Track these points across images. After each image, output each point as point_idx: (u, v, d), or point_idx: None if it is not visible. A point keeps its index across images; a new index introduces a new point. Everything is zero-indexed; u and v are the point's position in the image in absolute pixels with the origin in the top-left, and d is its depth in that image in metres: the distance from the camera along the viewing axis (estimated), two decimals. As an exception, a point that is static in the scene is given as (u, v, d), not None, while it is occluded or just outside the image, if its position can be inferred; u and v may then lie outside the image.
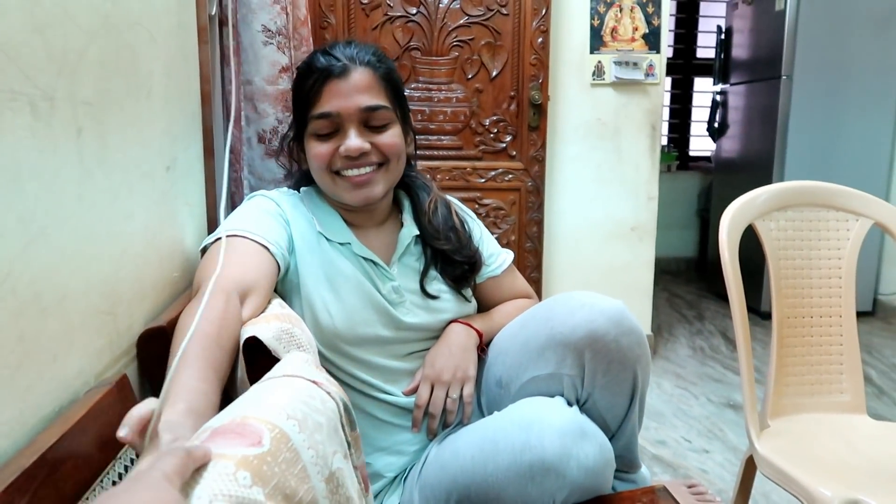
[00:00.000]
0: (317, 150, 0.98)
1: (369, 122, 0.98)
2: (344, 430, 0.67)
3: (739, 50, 3.69)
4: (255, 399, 0.59)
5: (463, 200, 2.50)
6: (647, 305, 2.82)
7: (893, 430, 1.30)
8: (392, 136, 1.00)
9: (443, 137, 2.51)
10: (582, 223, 2.72)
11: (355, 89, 0.96)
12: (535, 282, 2.60)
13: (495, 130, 2.51)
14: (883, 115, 3.29)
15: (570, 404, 0.91)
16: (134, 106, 0.75)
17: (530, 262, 2.59)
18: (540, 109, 2.50)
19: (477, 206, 2.54)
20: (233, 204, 1.28)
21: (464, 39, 2.46)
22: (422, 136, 2.49)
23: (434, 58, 2.46)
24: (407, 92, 2.46)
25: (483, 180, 2.53)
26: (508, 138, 2.52)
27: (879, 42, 3.22)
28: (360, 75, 0.97)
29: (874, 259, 3.41)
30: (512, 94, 2.50)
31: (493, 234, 2.55)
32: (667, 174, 4.51)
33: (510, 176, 2.54)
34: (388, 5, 2.41)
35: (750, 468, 1.31)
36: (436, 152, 2.51)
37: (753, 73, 3.54)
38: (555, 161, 2.65)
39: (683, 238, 4.57)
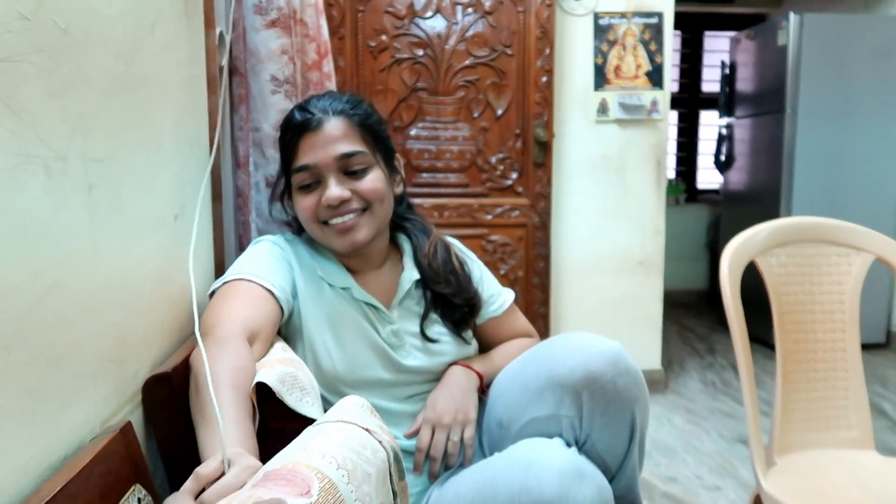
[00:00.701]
0: (302, 204, 1.02)
1: (348, 168, 1.01)
2: (392, 480, 0.68)
3: (744, 84, 3.73)
4: (308, 444, 0.60)
5: (470, 237, 2.56)
6: (657, 339, 2.82)
7: (902, 467, 1.29)
8: (372, 181, 1.02)
9: (450, 175, 2.55)
10: (589, 258, 2.73)
11: (329, 139, 0.99)
12: (543, 317, 2.61)
13: (501, 168, 2.55)
14: (889, 144, 3.31)
15: (568, 445, 0.92)
16: (145, 159, 0.78)
17: (538, 297, 2.61)
18: (545, 146, 2.54)
19: (484, 242, 2.57)
20: (240, 247, 1.32)
21: (469, 79, 2.51)
22: (429, 174, 2.53)
23: (440, 97, 2.52)
24: (414, 131, 2.52)
25: (490, 217, 2.56)
26: (514, 175, 2.56)
27: (881, 73, 3.25)
28: (333, 125, 1.00)
29: (886, 291, 3.39)
30: (517, 131, 2.54)
31: (500, 269, 2.59)
32: (675, 207, 4.52)
33: (517, 212, 2.57)
34: (396, 48, 2.48)
35: (759, 506, 1.30)
36: (443, 189, 2.54)
37: (758, 107, 3.58)
38: (561, 196, 2.68)
39: (694, 270, 4.56)
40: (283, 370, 0.80)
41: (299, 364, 0.88)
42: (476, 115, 2.53)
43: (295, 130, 1.01)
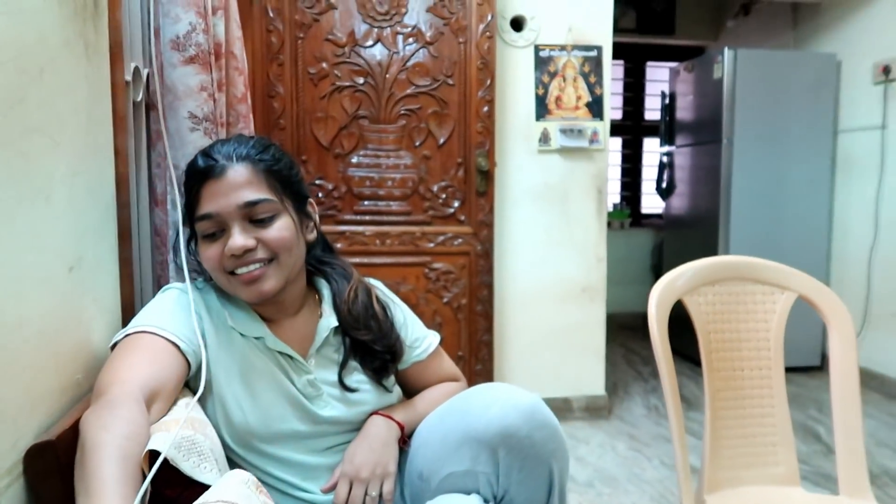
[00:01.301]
0: (206, 254, 0.97)
1: (253, 217, 0.96)
2: None
3: (683, 113, 3.83)
4: None
5: (413, 265, 2.54)
6: (600, 366, 2.83)
7: (825, 502, 1.30)
8: (279, 230, 0.98)
9: (391, 203, 2.53)
10: (533, 285, 2.74)
11: (232, 187, 0.95)
12: (487, 345, 2.60)
13: (444, 196, 2.54)
14: (819, 173, 3.44)
15: (486, 501, 0.89)
16: (27, 214, 0.74)
17: (482, 324, 2.59)
18: (487, 175, 2.54)
19: (427, 270, 2.55)
20: (159, 287, 1.26)
21: (411, 108, 2.50)
22: (370, 202, 2.51)
23: (382, 125, 2.50)
24: (355, 159, 2.50)
25: (433, 245, 2.55)
26: (457, 204, 2.55)
27: (811, 106, 3.38)
28: (235, 172, 0.96)
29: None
30: (459, 160, 2.54)
31: (443, 297, 2.57)
32: (620, 231, 4.59)
33: (459, 240, 2.56)
34: (336, 75, 2.46)
35: (689, 546, 1.30)
36: (385, 217, 2.52)
37: (697, 136, 3.67)
38: (504, 224, 2.69)
39: (638, 293, 4.62)
40: (180, 434, 0.75)
41: (201, 424, 0.83)
42: (418, 143, 2.52)
43: (197, 177, 0.97)
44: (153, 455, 0.72)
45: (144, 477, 0.70)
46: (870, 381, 3.21)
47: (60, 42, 0.83)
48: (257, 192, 0.96)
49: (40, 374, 0.78)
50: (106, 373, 0.83)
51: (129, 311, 1.05)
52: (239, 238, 0.94)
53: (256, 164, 0.98)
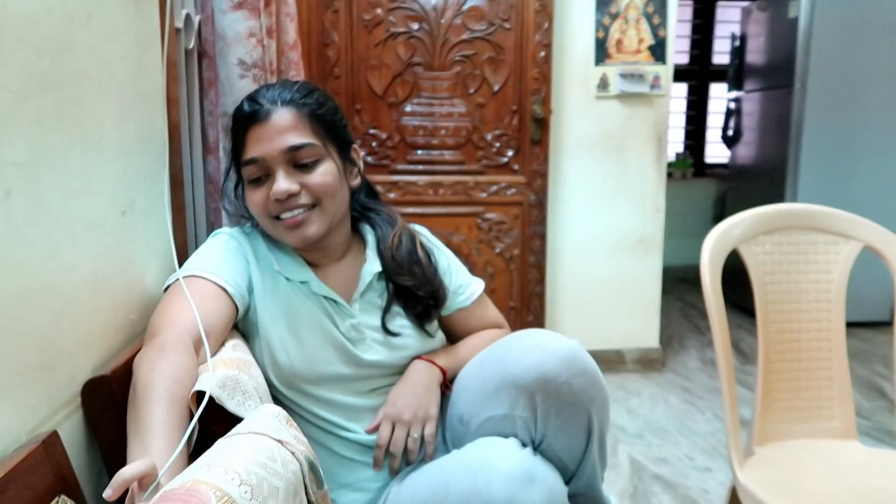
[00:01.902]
0: (252, 199, 0.99)
1: (297, 161, 0.97)
2: (307, 491, 0.67)
3: (754, 57, 3.63)
4: (213, 460, 0.59)
5: (465, 215, 2.54)
6: (655, 320, 2.79)
7: (884, 458, 1.26)
8: (322, 175, 0.98)
9: (445, 152, 2.51)
10: (587, 237, 2.70)
11: (277, 131, 0.96)
12: (539, 296, 2.59)
13: (498, 145, 2.51)
14: (900, 121, 3.21)
15: (524, 445, 0.90)
16: (79, 158, 0.76)
17: (534, 276, 2.58)
18: (542, 123, 2.49)
19: (479, 220, 2.54)
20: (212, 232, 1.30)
21: (466, 54, 2.46)
22: (424, 151, 2.50)
23: (436, 73, 2.47)
24: (409, 107, 2.48)
25: (485, 195, 2.53)
26: (511, 153, 2.52)
27: (894, 49, 3.13)
28: (280, 117, 0.97)
29: (894, 269, 3.32)
30: (514, 108, 2.49)
31: (495, 248, 2.56)
32: (682, 181, 4.45)
33: (513, 190, 2.53)
34: (391, 21, 2.42)
35: (736, 498, 1.29)
36: (438, 167, 2.51)
37: (767, 81, 3.48)
38: (559, 174, 2.64)
39: (700, 246, 4.48)
40: (224, 373, 0.78)
41: (246, 365, 0.86)
42: (472, 91, 2.48)
43: (243, 122, 0.98)
44: (200, 394, 0.75)
45: (192, 415, 0.73)
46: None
47: (108, -12, 0.84)
48: (301, 137, 0.97)
49: (96, 313, 0.82)
50: (157, 315, 0.87)
51: (182, 256, 1.09)
52: (283, 182, 0.96)
53: (301, 108, 0.98)
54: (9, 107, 0.62)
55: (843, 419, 1.34)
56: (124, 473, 0.59)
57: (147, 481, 0.61)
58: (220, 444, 0.62)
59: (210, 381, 0.76)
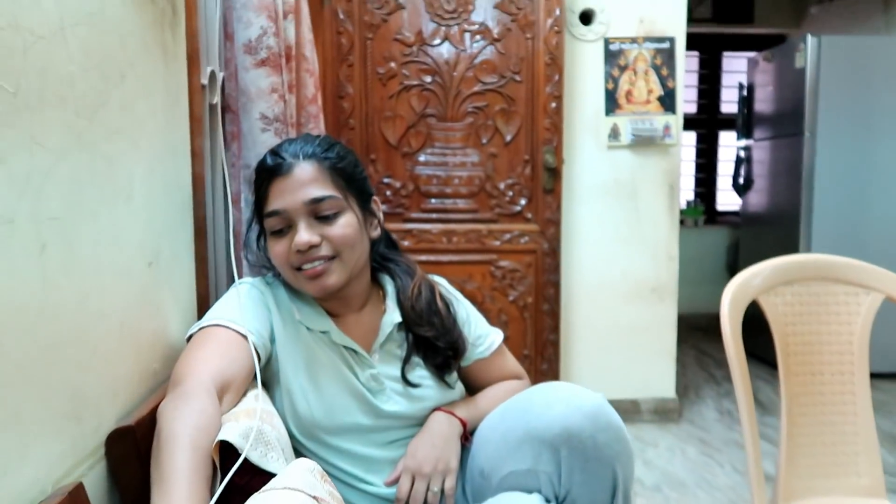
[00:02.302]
0: (275, 250, 1.01)
1: (318, 213, 0.99)
2: None
3: (762, 105, 3.67)
4: None
5: (479, 262, 2.55)
6: (671, 368, 2.76)
7: (915, 518, 1.23)
8: (342, 227, 1.00)
9: (458, 201, 2.53)
10: (601, 284, 2.69)
11: (299, 184, 0.98)
12: (554, 344, 2.57)
13: (511, 193, 2.53)
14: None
15: (548, 501, 0.89)
16: (110, 212, 0.78)
17: (548, 323, 2.57)
18: (555, 172, 2.51)
19: (493, 268, 2.54)
20: (232, 282, 1.31)
21: (478, 106, 2.50)
22: (437, 200, 2.52)
23: (449, 123, 2.51)
24: (423, 157, 2.52)
25: (499, 243, 2.54)
26: (524, 201, 2.54)
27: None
28: (302, 170, 0.99)
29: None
30: (526, 157, 2.52)
31: (509, 296, 2.56)
32: (694, 229, 4.46)
33: (526, 238, 2.54)
34: (405, 74, 2.48)
35: (762, 556, 1.25)
36: (452, 215, 2.53)
37: (777, 129, 3.51)
38: (572, 222, 2.65)
39: (713, 293, 4.43)
40: (247, 424, 0.78)
41: (269, 415, 0.86)
42: (485, 140, 2.51)
43: (266, 175, 1.01)
44: (226, 444, 0.75)
45: (214, 465, 0.73)
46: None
47: (140, 47, 0.87)
48: (322, 189, 0.99)
49: (121, 362, 0.82)
50: (181, 364, 0.87)
51: (204, 305, 1.10)
52: (304, 234, 0.97)
53: (322, 162, 1.01)
54: (47, 164, 0.64)
55: (870, 476, 1.31)
56: None
57: None
58: (256, 499, 0.61)
59: (233, 432, 0.76)
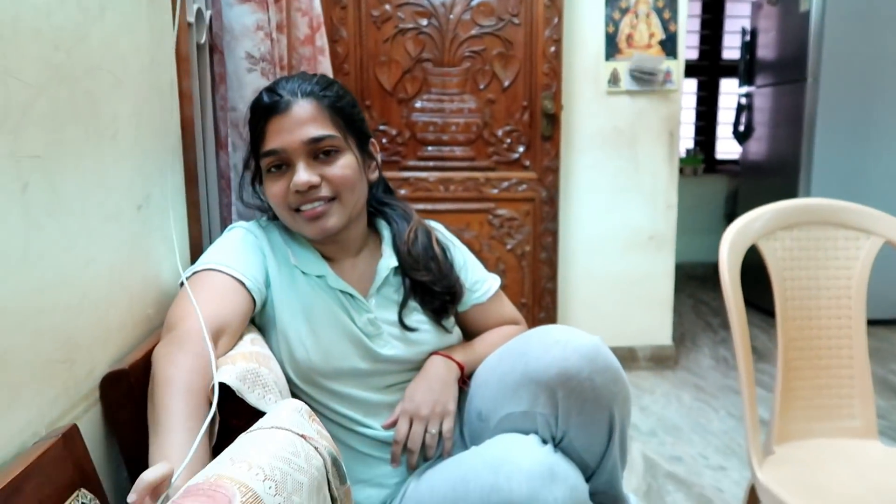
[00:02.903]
0: (271, 190, 0.99)
1: (317, 153, 0.97)
2: (330, 487, 0.66)
3: (765, 51, 3.60)
4: (237, 455, 0.58)
5: (476, 211, 2.53)
6: (668, 316, 2.77)
7: (905, 458, 1.24)
8: (342, 168, 0.98)
9: (455, 148, 2.50)
10: (598, 233, 2.68)
11: (298, 123, 0.96)
12: (551, 293, 2.58)
13: (508, 141, 2.50)
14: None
15: (545, 442, 0.89)
16: (95, 151, 0.75)
17: (545, 272, 2.57)
18: (553, 119, 2.47)
19: (490, 216, 2.52)
20: (225, 227, 1.30)
21: (475, 50, 2.44)
22: (434, 147, 2.48)
23: (446, 69, 2.45)
24: (419, 103, 2.47)
25: (496, 191, 2.52)
26: (522, 149, 2.50)
27: (909, 41, 3.10)
28: (301, 108, 0.96)
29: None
30: (525, 104, 2.48)
31: (506, 244, 2.55)
32: (692, 178, 4.42)
33: (524, 186, 2.52)
34: (400, 17, 2.41)
35: (755, 496, 1.27)
36: (448, 163, 2.50)
37: (779, 76, 3.45)
38: (570, 170, 2.62)
39: (711, 242, 4.46)
40: (244, 367, 0.78)
41: (265, 359, 0.86)
42: (482, 86, 2.46)
43: (262, 113, 0.98)
44: (222, 386, 0.75)
45: (211, 407, 0.72)
46: (960, 335, 3.03)
47: (121, -19, 0.83)
48: (322, 129, 0.97)
49: (113, 307, 0.81)
50: (175, 309, 0.86)
51: (197, 251, 1.08)
52: (303, 174, 0.95)
53: (321, 100, 0.98)
54: (26, 98, 0.61)
55: (863, 418, 1.32)
56: (146, 477, 0.58)
57: (165, 487, 0.60)
58: (243, 438, 0.61)
59: (230, 374, 0.75)
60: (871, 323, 1.33)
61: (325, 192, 0.97)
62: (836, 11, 3.06)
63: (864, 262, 1.33)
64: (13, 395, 0.60)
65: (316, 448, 0.62)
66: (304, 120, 0.96)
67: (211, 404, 0.73)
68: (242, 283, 0.92)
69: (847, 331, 1.33)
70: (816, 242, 1.34)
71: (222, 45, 1.24)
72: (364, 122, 1.06)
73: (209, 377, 0.75)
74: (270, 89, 0.99)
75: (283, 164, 0.97)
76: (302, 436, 0.62)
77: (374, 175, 1.08)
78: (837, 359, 1.33)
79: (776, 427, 1.30)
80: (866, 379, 1.32)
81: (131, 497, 0.57)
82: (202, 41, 1.23)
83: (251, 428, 0.63)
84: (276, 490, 0.54)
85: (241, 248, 0.98)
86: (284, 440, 0.60)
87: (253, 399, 0.77)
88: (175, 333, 0.80)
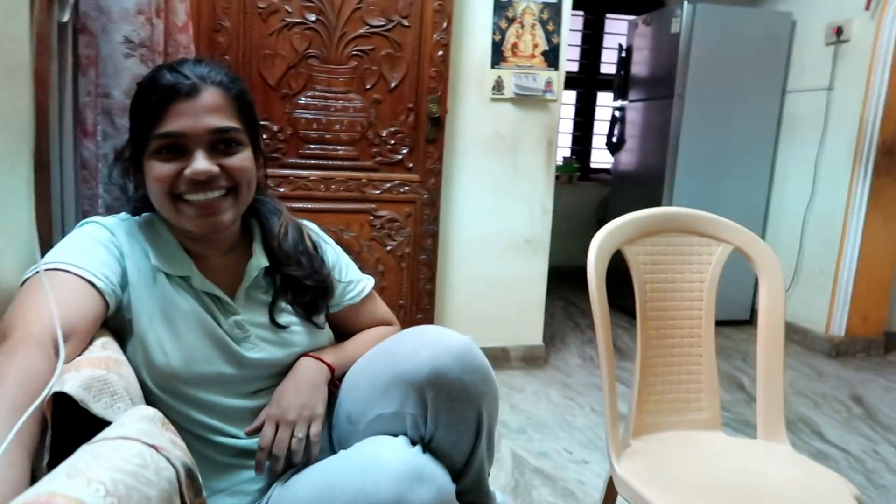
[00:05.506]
0: (158, 172, 0.92)
1: (218, 144, 0.93)
2: (184, 500, 0.62)
3: (639, 68, 3.83)
4: (73, 470, 0.54)
5: (357, 212, 2.51)
6: (539, 317, 2.88)
7: (744, 446, 1.36)
8: (243, 160, 0.95)
9: (338, 147, 2.47)
10: (478, 236, 2.74)
11: (205, 110, 0.91)
12: (430, 294, 2.60)
13: (392, 142, 2.50)
14: (765, 131, 3.52)
15: (413, 443, 0.90)
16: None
17: (424, 273, 2.59)
18: (438, 122, 2.50)
19: (371, 217, 2.51)
20: (85, 221, 1.21)
21: (363, 49, 2.42)
22: (317, 146, 2.44)
23: (332, 66, 2.42)
24: (303, 100, 2.42)
25: (378, 192, 2.51)
26: (405, 150, 2.51)
27: (763, 64, 3.43)
28: (210, 96, 0.92)
29: (752, 272, 3.62)
30: (410, 106, 2.49)
31: (386, 246, 2.55)
32: (569, 185, 4.62)
33: (406, 188, 2.53)
34: (287, 11, 2.35)
35: (613, 488, 1.34)
36: (331, 162, 2.46)
37: (650, 92, 3.68)
38: (453, 174, 2.66)
39: (583, 247, 4.57)
40: (90, 374, 0.72)
41: (116, 364, 0.80)
42: (369, 86, 2.45)
43: (164, 92, 0.91)
44: (62, 398, 0.69)
45: (46, 421, 0.67)
46: (793, 334, 3.36)
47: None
48: (228, 120, 0.93)
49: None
50: (11, 313, 0.79)
51: (46, 248, 1.00)
52: (203, 163, 0.90)
53: (229, 91, 0.95)
54: None
55: (709, 410, 1.43)
56: None
57: None
58: (84, 450, 0.56)
59: (73, 382, 0.69)
60: (722, 323, 1.45)
61: (223, 182, 0.93)
62: (703, 35, 3.32)
63: (715, 267, 1.44)
64: None
65: (168, 459, 0.59)
66: (211, 108, 0.91)
67: (46, 417, 0.67)
68: (93, 284, 0.85)
69: (698, 330, 1.44)
70: (675, 248, 1.44)
71: (95, 27, 1.16)
72: (258, 121, 1.03)
73: (39, 390, 0.68)
74: (174, 69, 0.93)
75: (177, 149, 0.92)
76: (152, 446, 0.58)
77: (261, 172, 1.05)
78: (689, 356, 1.44)
79: (633, 421, 1.38)
80: (713, 375, 1.44)
81: None
82: (65, 20, 1.15)
83: (94, 438, 0.59)
84: (118, 507, 0.51)
85: (92, 246, 0.91)
86: (131, 451, 0.56)
87: (99, 409, 0.70)
88: (8, 343, 0.73)
